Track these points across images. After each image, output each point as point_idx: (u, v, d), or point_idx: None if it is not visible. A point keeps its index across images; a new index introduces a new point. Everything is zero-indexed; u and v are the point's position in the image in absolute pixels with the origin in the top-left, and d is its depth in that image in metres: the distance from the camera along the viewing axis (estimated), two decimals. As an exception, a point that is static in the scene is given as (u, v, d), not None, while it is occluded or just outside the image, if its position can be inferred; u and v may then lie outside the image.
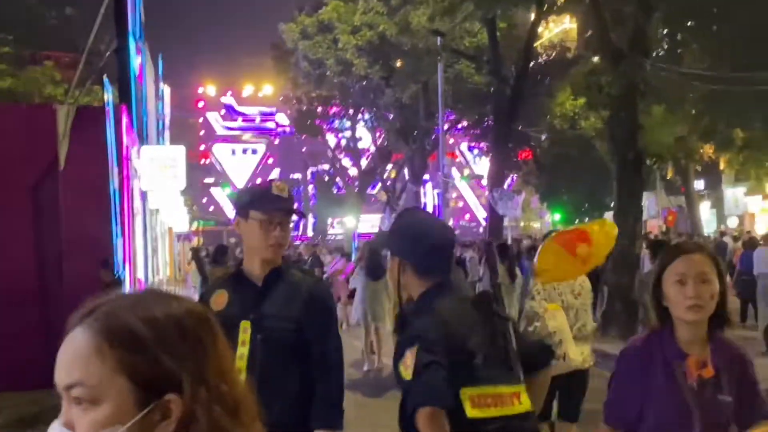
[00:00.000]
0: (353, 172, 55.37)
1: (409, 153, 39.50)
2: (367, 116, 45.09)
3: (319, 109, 48.68)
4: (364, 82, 34.81)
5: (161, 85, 33.58)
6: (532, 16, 25.98)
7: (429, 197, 76.60)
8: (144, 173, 13.33)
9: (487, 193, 25.92)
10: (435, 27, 24.34)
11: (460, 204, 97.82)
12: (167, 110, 37.98)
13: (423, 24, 24.74)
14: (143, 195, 17.43)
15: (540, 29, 46.44)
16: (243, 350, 3.44)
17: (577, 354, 6.28)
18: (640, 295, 9.51)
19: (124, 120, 12.82)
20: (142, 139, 22.15)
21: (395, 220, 3.43)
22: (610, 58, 16.18)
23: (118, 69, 16.64)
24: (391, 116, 38.84)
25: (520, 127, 27.38)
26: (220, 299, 3.58)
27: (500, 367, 3.02)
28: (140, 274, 17.51)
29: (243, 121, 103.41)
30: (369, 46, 31.21)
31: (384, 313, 13.11)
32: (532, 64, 31.19)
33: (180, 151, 13.99)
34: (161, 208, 23.88)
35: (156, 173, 13.52)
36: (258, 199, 3.58)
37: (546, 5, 24.54)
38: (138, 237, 16.73)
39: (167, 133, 38.22)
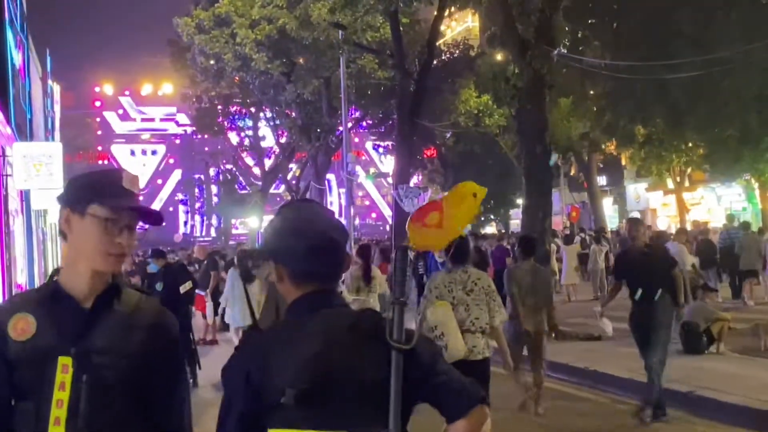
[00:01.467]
0: (257, 171, 54.31)
1: (312, 151, 38.63)
2: (269, 114, 44.08)
3: (220, 107, 47.58)
4: (264, 78, 33.76)
5: (50, 82, 31.93)
6: (435, 11, 25.49)
7: (335, 196, 76.06)
8: (18, 171, 12.13)
9: (392, 190, 25.23)
10: (336, 20, 23.53)
11: (367, 203, 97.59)
12: (56, 108, 36.18)
13: (324, 17, 23.88)
14: (22, 194, 16.21)
15: (443, 28, 46.50)
16: (62, 396, 2.52)
17: (460, 345, 6.79)
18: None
19: (-7, 114, 11.67)
20: (26, 136, 20.85)
21: (273, 217, 2.69)
22: (517, 50, 15.66)
23: None
24: (293, 113, 37.88)
25: (425, 123, 26.84)
26: (21, 325, 2.58)
27: (323, 407, 2.32)
28: (21, 279, 16.28)
29: (142, 120, 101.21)
30: (268, 40, 30.16)
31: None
32: (436, 61, 30.85)
33: (56, 147, 12.83)
34: (49, 209, 22.48)
35: (31, 171, 12.33)
36: (102, 191, 2.64)
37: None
38: (18, 239, 15.51)
39: (57, 133, 36.53)
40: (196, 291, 16.34)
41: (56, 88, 36.26)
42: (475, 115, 30.26)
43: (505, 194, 46.32)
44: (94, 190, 2.66)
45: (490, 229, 49.97)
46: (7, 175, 11.78)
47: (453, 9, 27.53)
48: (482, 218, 50.54)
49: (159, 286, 12.14)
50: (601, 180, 47.34)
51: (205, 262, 17.46)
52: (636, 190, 47.29)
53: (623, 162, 45.86)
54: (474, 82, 31.08)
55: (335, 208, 67.55)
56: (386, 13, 24.26)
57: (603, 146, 39.97)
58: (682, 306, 10.13)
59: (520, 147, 16.48)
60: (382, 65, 30.18)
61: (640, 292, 9.43)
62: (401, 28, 26.85)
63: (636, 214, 46.06)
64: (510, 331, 9.13)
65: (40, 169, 12.20)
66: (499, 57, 20.87)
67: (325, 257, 2.52)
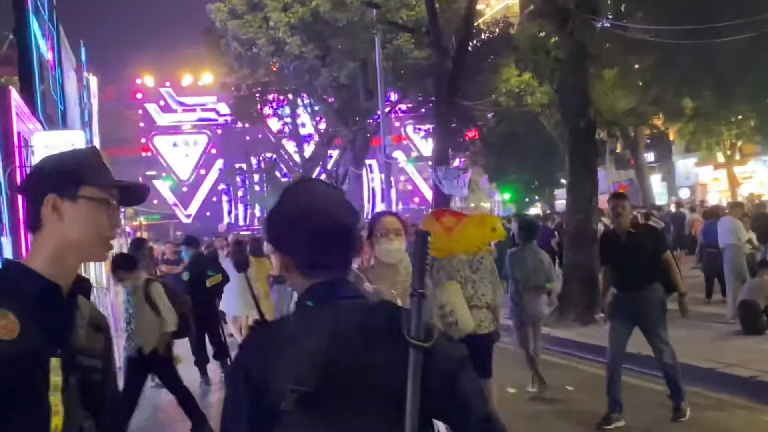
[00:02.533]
0: (298, 158, 54.00)
1: (349, 135, 38.08)
2: (306, 100, 43.66)
3: (258, 94, 47.23)
4: (299, 63, 33.29)
5: (85, 74, 31.66)
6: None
7: (377, 181, 75.55)
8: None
9: (431, 172, 24.63)
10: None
11: (409, 187, 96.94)
12: (94, 101, 35.96)
13: (356, -6, 23.32)
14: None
15: (482, 6, 45.54)
16: (57, 400, 2.24)
17: (469, 320, 7.19)
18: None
19: (13, 104, 11.26)
20: (60, 129, 20.53)
21: (277, 200, 2.39)
22: (557, 20, 14.90)
23: (18, 50, 15.24)
24: (330, 98, 37.40)
25: (464, 104, 26.16)
26: (4, 324, 2.21)
27: (328, 414, 2.10)
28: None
29: (183, 111, 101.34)
30: (302, 23, 29.65)
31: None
32: (475, 40, 30.12)
33: (79, 136, 12.32)
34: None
35: None
36: (93, 170, 2.36)
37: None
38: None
39: (95, 125, 36.33)
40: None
41: (93, 80, 36.01)
42: (517, 94, 29.59)
43: (549, 174, 45.57)
44: (83, 170, 2.37)
45: (535, 210, 49.11)
46: (25, 167, 11.37)
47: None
48: (527, 199, 49.78)
49: (186, 276, 11.68)
50: (649, 156, 46.20)
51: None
52: (685, 165, 46.18)
53: (671, 137, 44.78)
54: (514, 60, 30.36)
55: (377, 193, 67.02)
56: (421, -12, 23.62)
57: (649, 121, 39.05)
58: (683, 294, 8.59)
59: (563, 123, 15.71)
60: (419, 44, 29.53)
61: (623, 279, 8.43)
62: (437, 6, 26.22)
63: (686, 191, 45.14)
64: (516, 315, 9.99)
65: (63, 159, 11.75)
66: (538, 30, 19.97)
67: (332, 243, 2.28)
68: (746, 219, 14.66)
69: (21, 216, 11.04)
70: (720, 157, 39.60)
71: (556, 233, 19.10)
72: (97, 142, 37.60)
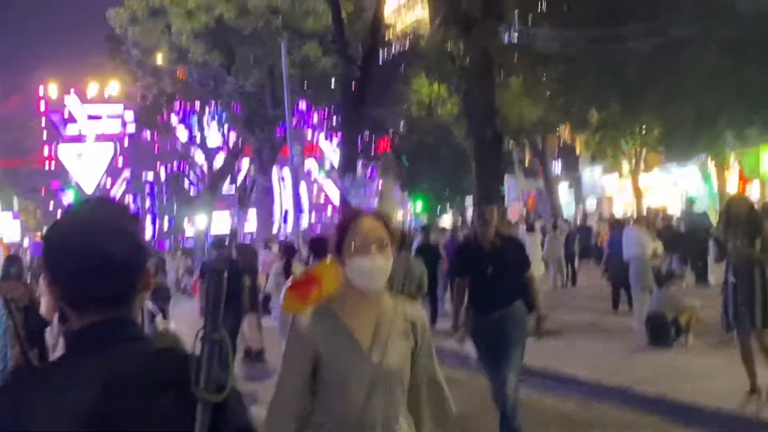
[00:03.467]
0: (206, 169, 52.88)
1: (256, 145, 37.31)
2: (213, 109, 42.75)
3: (165, 103, 46.03)
4: (203, 70, 32.42)
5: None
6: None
7: (288, 192, 74.61)
8: None
9: (337, 181, 24.15)
10: (274, 5, 22.31)
11: (323, 198, 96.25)
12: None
13: (260, 1, 22.63)
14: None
15: (393, 20, 45.39)
16: None
17: None
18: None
19: None
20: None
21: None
22: (462, 26, 14.57)
23: None
24: (236, 107, 36.63)
25: (374, 111, 25.80)
26: None
27: None
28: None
29: (88, 119, 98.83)
30: (206, 30, 28.82)
31: None
32: (386, 51, 29.85)
33: None
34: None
35: None
36: None
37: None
38: None
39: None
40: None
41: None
42: (428, 105, 29.43)
43: (460, 183, 45.66)
44: None
45: (447, 218, 49.20)
46: None
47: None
48: (438, 208, 49.79)
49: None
50: (557, 167, 46.70)
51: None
52: (591, 175, 46.72)
53: (578, 147, 45.31)
54: (425, 70, 30.29)
55: (286, 204, 66.33)
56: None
57: (557, 131, 39.40)
58: (543, 316, 7.95)
59: (470, 133, 15.40)
60: (327, 52, 29.08)
61: (486, 296, 7.50)
62: (345, 16, 25.81)
63: (593, 200, 45.67)
64: None
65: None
66: (444, 38, 19.70)
67: (100, 277, 1.95)
68: (652, 229, 14.51)
69: None
70: (625, 167, 40.09)
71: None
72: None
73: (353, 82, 23.82)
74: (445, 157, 41.95)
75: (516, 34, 16.76)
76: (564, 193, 47.13)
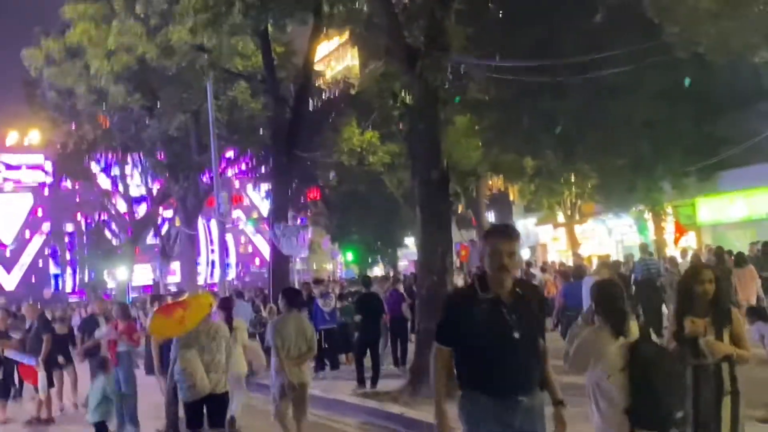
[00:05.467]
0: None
1: (180, 193, 35.65)
2: (136, 156, 40.97)
3: (85, 151, 44.14)
4: (124, 114, 30.82)
5: None
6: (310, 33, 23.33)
7: (216, 243, 72.62)
8: None
9: (268, 229, 22.74)
10: (199, 43, 20.97)
11: (250, 249, 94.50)
12: None
13: (185, 39, 21.28)
14: None
15: (322, 67, 44.49)
16: None
17: (205, 381, 8.68)
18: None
19: None
20: None
21: None
22: (405, 59, 13.40)
23: None
24: (159, 154, 34.99)
25: (304, 155, 24.58)
26: None
27: None
28: None
29: (6, 169, 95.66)
30: (127, 72, 27.30)
31: None
32: (315, 99, 28.91)
33: None
34: None
35: None
36: None
37: (324, 18, 21.82)
38: None
39: None
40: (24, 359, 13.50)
41: None
42: (359, 153, 28.38)
43: (391, 234, 44.87)
44: None
45: (378, 270, 48.17)
46: None
47: (329, 31, 25.54)
48: (369, 260, 48.82)
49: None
50: (490, 216, 45.92)
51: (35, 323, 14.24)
52: (525, 225, 46.10)
53: (511, 196, 44.75)
54: (356, 115, 29.39)
55: (216, 256, 64.52)
56: (255, 33, 21.89)
57: (489, 181, 38.82)
58: (562, 403, 5.30)
59: (413, 174, 14.17)
60: (255, 95, 27.82)
61: (497, 376, 5.01)
62: (275, 58, 24.67)
63: (526, 250, 44.95)
64: (276, 385, 9.88)
65: None
66: (384, 72, 18.64)
67: None
68: (616, 278, 13.39)
69: None
70: (560, 217, 39.57)
71: (406, 297, 17.43)
72: None
73: (284, 125, 22.55)
74: (376, 208, 41.17)
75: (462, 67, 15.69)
76: (498, 243, 46.30)
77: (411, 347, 15.85)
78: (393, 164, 28.18)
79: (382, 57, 17.38)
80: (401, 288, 18.32)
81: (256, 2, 18.39)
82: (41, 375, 13.28)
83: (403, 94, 14.76)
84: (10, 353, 13.21)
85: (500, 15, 25.86)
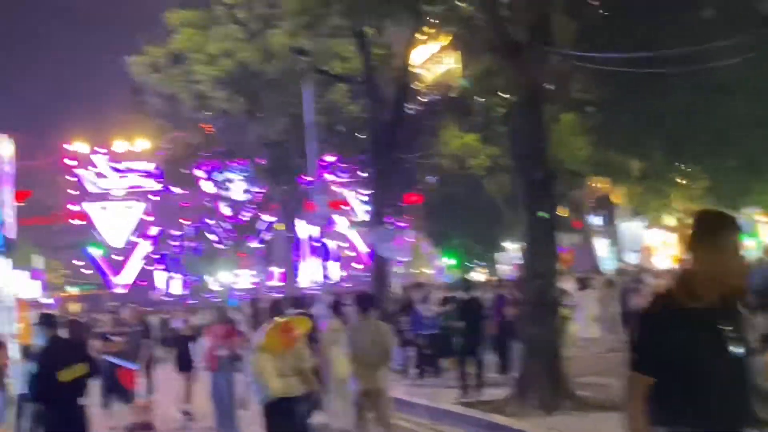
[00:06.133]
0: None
1: (281, 197, 35.86)
2: (238, 161, 41.53)
3: (190, 157, 44.99)
4: (225, 119, 31.13)
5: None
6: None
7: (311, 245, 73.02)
8: None
9: (367, 233, 22.54)
10: (298, 46, 20.92)
11: (352, 254, 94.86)
12: (6, 164, 33.22)
13: (284, 43, 21.27)
14: None
15: (422, 71, 44.27)
16: None
17: (278, 384, 8.60)
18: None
19: None
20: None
21: None
22: (508, 54, 12.92)
23: None
24: (260, 159, 35.32)
25: (403, 157, 24.32)
26: None
27: None
28: None
29: (120, 178, 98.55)
30: (228, 77, 27.58)
31: None
32: (414, 103, 28.70)
33: None
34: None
35: None
36: None
37: (423, 18, 21.40)
38: None
39: (7, 189, 33.57)
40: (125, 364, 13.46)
41: (6, 142, 33.33)
42: (459, 157, 28.06)
43: (492, 238, 44.32)
44: None
45: (477, 275, 47.68)
46: None
47: (429, 34, 25.09)
48: (470, 264, 48.34)
49: (28, 370, 8.85)
50: (593, 219, 44.92)
51: (137, 328, 14.20)
52: (631, 228, 44.89)
53: (616, 200, 43.65)
54: (456, 121, 29.04)
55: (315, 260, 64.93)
56: (354, 35, 21.69)
57: (594, 184, 38.02)
58: None
59: (517, 174, 13.69)
60: (355, 98, 27.70)
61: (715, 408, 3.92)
62: (374, 60, 24.48)
63: (633, 255, 43.73)
64: (353, 392, 9.94)
65: None
66: (487, 69, 18.10)
67: None
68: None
69: None
70: (669, 220, 38.38)
71: (510, 301, 16.84)
72: (8, 209, 34.99)
73: (383, 127, 22.29)
74: (477, 212, 40.70)
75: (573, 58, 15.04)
76: (602, 247, 45.31)
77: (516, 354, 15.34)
78: (493, 168, 27.67)
79: (483, 57, 16.89)
80: (505, 292, 17.75)
81: (354, 4, 18.19)
82: (142, 380, 13.25)
83: (505, 91, 14.25)
84: (111, 357, 13.24)
85: (602, 13, 25.13)
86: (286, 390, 8.61)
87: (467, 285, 16.81)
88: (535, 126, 13.08)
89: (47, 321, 8.83)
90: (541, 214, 12.67)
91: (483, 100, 22.74)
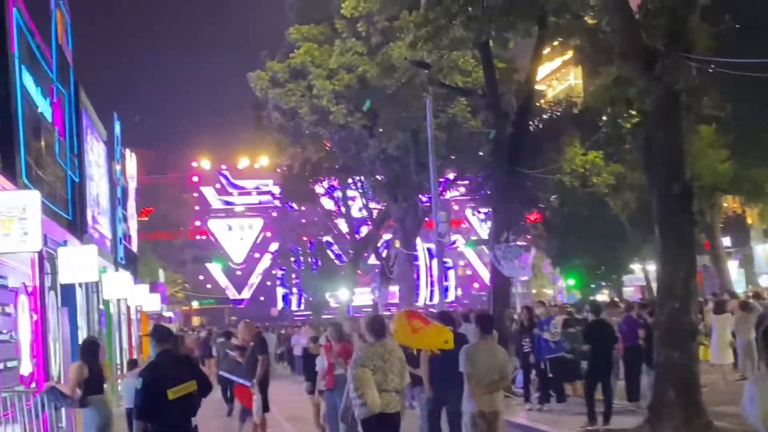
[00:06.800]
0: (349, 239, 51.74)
1: (399, 213, 35.52)
2: (356, 179, 41.50)
3: (308, 173, 45.26)
4: (344, 133, 31.06)
5: (119, 148, 29.75)
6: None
7: (434, 265, 72.59)
8: None
9: (489, 251, 21.84)
10: (419, 57, 20.52)
11: (469, 272, 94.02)
12: (131, 178, 34.13)
13: (405, 55, 20.91)
14: (36, 264, 13.39)
15: (544, 87, 43.25)
16: None
17: (376, 401, 8.66)
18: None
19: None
20: (63, 199, 18.42)
21: None
22: (643, 61, 12.12)
23: None
24: (378, 175, 35.11)
25: (526, 172, 23.56)
26: None
27: None
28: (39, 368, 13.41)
29: (239, 194, 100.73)
30: (348, 91, 27.50)
31: None
32: (536, 120, 28.01)
33: (31, 197, 9.38)
34: (99, 282, 19.88)
35: None
36: None
37: (549, 29, 20.71)
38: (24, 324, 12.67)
39: (132, 202, 34.46)
40: (240, 380, 13.17)
41: (131, 157, 34.25)
42: (582, 174, 27.11)
43: (616, 259, 42.94)
44: None
45: (601, 297, 46.24)
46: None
47: (552, 50, 24.44)
48: (592, 285, 46.98)
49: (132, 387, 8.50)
50: (725, 240, 42.88)
51: (252, 343, 13.85)
52: (765, 250, 42.78)
53: (749, 220, 41.69)
54: (579, 137, 28.14)
55: (434, 278, 64.42)
56: (476, 47, 21.13)
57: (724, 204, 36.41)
58: None
59: (651, 187, 12.83)
60: (475, 112, 27.12)
61: None
62: (497, 74, 23.91)
63: (766, 278, 41.60)
64: (467, 413, 9.65)
65: (11, 227, 9.08)
66: (616, 77, 17.24)
67: None
68: None
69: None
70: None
71: (643, 323, 15.86)
72: (133, 223, 36.01)
73: (505, 141, 21.65)
74: (600, 231, 39.49)
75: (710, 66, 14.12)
76: (733, 270, 43.30)
77: (646, 380, 14.45)
78: (617, 186, 26.86)
79: (608, 69, 16.13)
80: (633, 314, 16.77)
81: (478, 14, 17.65)
82: (256, 397, 12.91)
83: (637, 101, 13.44)
84: (224, 373, 12.99)
85: (736, 26, 23.91)
86: (385, 406, 8.69)
87: (596, 307, 15.94)
88: (672, 136, 12.24)
89: (159, 334, 8.52)
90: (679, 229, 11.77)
91: (607, 114, 21.75)
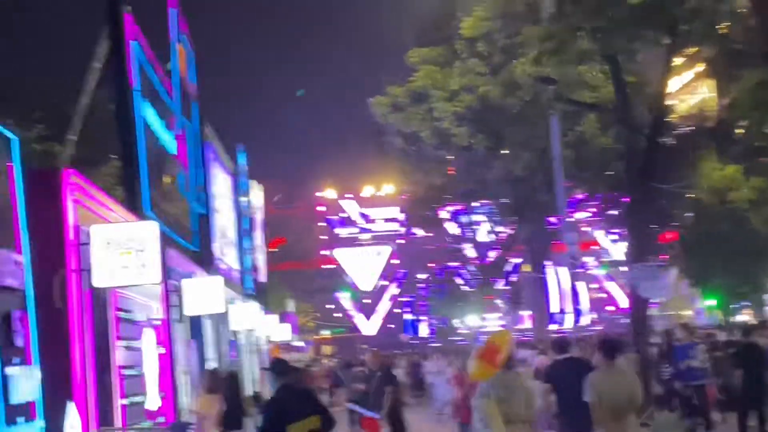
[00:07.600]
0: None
1: (527, 236, 34.74)
2: (481, 204, 41.06)
3: (433, 198, 45.01)
4: (468, 155, 30.57)
5: (245, 179, 30.04)
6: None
7: (567, 286, 70.95)
8: (98, 262, 8.80)
9: (626, 273, 20.86)
10: (543, 73, 19.84)
11: (603, 295, 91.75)
12: (257, 209, 34.45)
13: (528, 72, 20.29)
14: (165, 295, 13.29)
15: (675, 102, 41.83)
16: None
17: (502, 430, 8.61)
18: None
19: (69, 191, 8.67)
20: (192, 233, 18.46)
21: None
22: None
23: (119, 135, 13.18)
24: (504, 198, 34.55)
25: (663, 194, 22.52)
26: None
27: None
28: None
29: (367, 222, 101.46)
30: (470, 112, 27.01)
31: None
32: (669, 137, 27.03)
33: (150, 228, 9.13)
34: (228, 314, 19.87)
35: (114, 262, 8.95)
36: None
37: (679, 37, 19.69)
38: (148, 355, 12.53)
39: (259, 233, 34.72)
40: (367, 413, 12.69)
41: (257, 188, 34.57)
42: (719, 190, 25.87)
43: (759, 278, 40.99)
44: None
45: (741, 318, 44.40)
46: (81, 270, 8.55)
47: (684, 58, 23.30)
48: (732, 306, 45.04)
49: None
50: None
51: (378, 373, 13.20)
52: None
53: None
54: (715, 151, 26.95)
55: (565, 303, 62.96)
56: (604, 59, 20.29)
57: None
58: None
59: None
60: (605, 129, 26.17)
61: None
62: (627, 89, 23.04)
63: None
64: None
65: (129, 260, 8.91)
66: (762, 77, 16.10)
67: None
68: None
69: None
70: None
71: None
72: (261, 254, 36.35)
73: (639, 156, 20.69)
74: (741, 248, 37.80)
75: None
76: None
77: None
78: (758, 201, 25.43)
79: (746, 77, 15.10)
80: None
81: (603, 24, 16.92)
82: (384, 431, 12.36)
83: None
84: (351, 405, 12.56)
85: None
86: None
87: (747, 329, 14.84)
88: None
89: (278, 367, 8.12)
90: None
91: (748, 123, 20.58)
